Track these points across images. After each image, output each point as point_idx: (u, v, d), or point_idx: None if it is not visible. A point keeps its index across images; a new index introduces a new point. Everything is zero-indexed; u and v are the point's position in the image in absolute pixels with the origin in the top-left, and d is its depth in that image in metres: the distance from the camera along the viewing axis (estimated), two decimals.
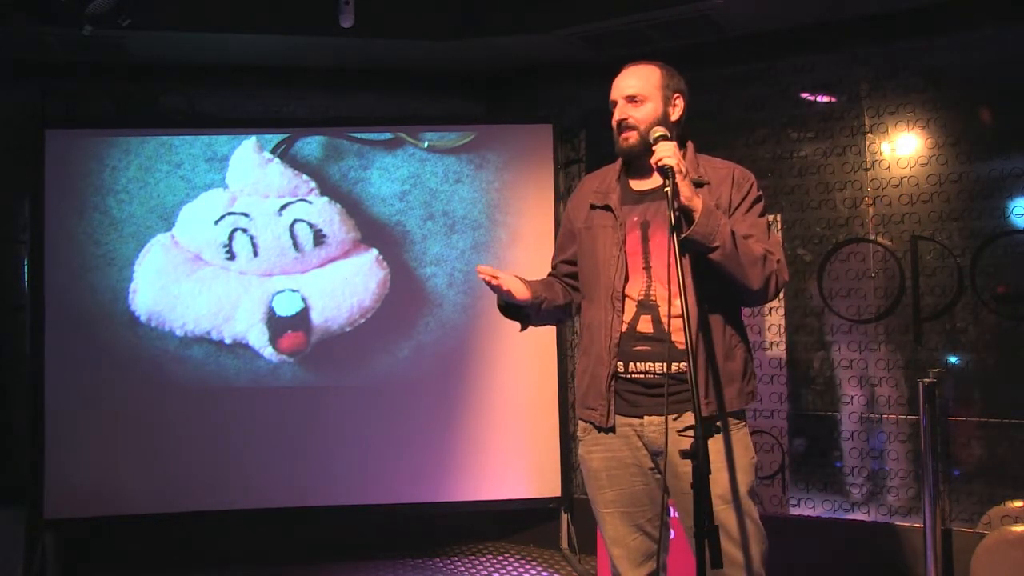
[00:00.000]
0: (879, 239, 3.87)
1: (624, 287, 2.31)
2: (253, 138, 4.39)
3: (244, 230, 4.34)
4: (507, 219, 4.43)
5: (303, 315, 4.35)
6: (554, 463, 4.39)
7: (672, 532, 3.18)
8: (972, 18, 3.65)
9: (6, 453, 4.30)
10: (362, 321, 4.38)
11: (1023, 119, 3.61)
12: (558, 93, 4.65)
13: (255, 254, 4.34)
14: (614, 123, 2.35)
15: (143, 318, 4.28)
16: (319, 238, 4.38)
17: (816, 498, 3.96)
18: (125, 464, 4.22)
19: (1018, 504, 3.46)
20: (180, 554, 4.35)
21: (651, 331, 2.27)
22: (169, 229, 4.32)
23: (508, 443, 4.40)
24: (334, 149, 4.43)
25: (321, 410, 4.34)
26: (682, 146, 2.34)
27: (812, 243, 4.02)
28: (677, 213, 2.08)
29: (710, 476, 1.93)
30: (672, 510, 2.76)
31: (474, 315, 4.39)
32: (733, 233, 2.18)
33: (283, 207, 4.37)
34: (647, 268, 2.30)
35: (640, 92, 2.31)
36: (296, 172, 4.40)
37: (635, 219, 2.33)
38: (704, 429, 1.95)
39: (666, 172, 2.11)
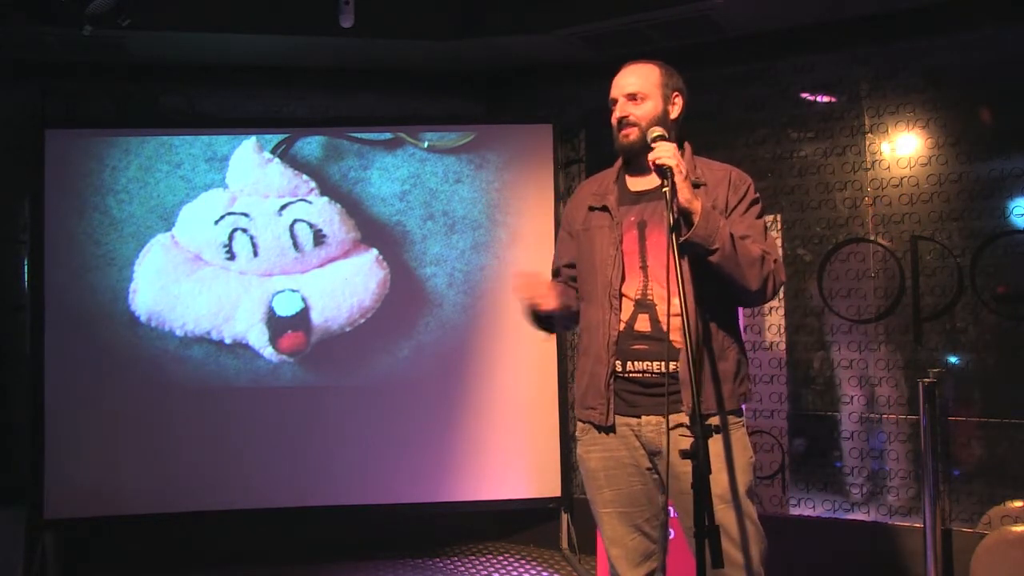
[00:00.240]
0: (879, 239, 3.87)
1: (621, 286, 2.31)
2: (253, 138, 4.39)
3: (244, 230, 4.34)
4: (507, 219, 4.43)
5: (303, 315, 4.35)
6: (554, 463, 4.39)
7: (672, 532, 3.18)
8: (972, 18, 3.65)
9: (6, 453, 4.31)
10: (362, 321, 4.38)
11: (1023, 119, 3.61)
12: (558, 93, 4.65)
13: (255, 254, 4.35)
14: (614, 120, 2.36)
15: (143, 318, 4.28)
16: (319, 238, 4.38)
17: (816, 498, 3.96)
18: (125, 464, 4.22)
19: (1018, 504, 3.45)
20: (180, 554, 4.35)
21: (649, 330, 2.27)
22: (169, 229, 4.32)
23: (508, 443, 4.40)
24: (334, 149, 4.43)
25: (321, 410, 4.34)
26: (680, 147, 2.33)
27: (812, 243, 4.02)
28: (676, 215, 2.09)
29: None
30: (671, 510, 2.76)
31: (474, 315, 4.38)
32: (732, 235, 2.18)
33: (283, 207, 4.38)
34: (644, 267, 2.31)
35: (640, 90, 2.33)
36: (296, 172, 4.40)
37: (632, 219, 2.34)
38: (704, 429, 1.95)
39: (664, 172, 2.12)
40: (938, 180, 3.75)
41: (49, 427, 4.16)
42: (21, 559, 4.05)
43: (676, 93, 2.37)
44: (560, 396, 4.40)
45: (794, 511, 3.96)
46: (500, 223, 4.43)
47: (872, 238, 3.89)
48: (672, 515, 2.43)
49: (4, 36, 3.99)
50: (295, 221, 4.37)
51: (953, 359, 3.72)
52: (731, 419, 2.30)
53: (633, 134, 2.32)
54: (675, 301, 2.17)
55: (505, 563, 4.34)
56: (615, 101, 2.36)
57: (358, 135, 4.44)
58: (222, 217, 4.34)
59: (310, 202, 4.39)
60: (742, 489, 2.25)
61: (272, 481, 4.27)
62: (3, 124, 4.38)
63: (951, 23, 3.69)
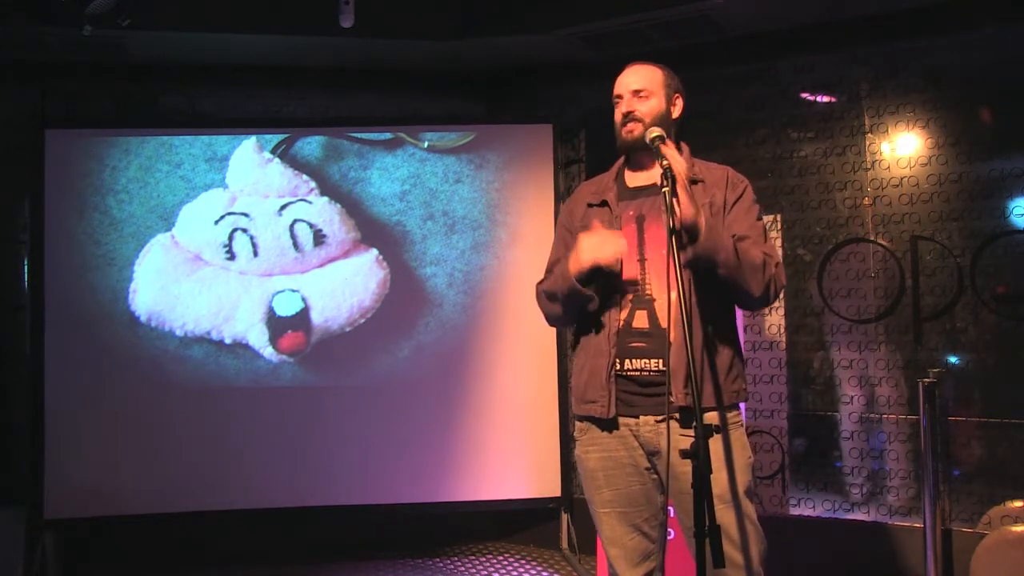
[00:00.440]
0: (879, 239, 3.87)
1: (620, 280, 2.32)
2: (253, 138, 4.39)
3: (244, 230, 4.34)
4: (507, 219, 4.43)
5: (303, 315, 4.35)
6: (554, 463, 4.39)
7: (672, 532, 3.18)
8: (972, 18, 3.65)
9: (6, 453, 4.31)
10: (362, 321, 4.38)
11: (1023, 119, 3.61)
12: (558, 93, 4.65)
13: (255, 254, 4.35)
14: (619, 116, 2.38)
15: (143, 318, 4.28)
16: (319, 238, 4.38)
17: (816, 498, 3.96)
18: (125, 464, 4.22)
19: (1018, 504, 3.45)
20: (180, 554, 4.35)
21: (646, 326, 2.28)
22: (169, 229, 4.32)
23: (508, 443, 4.40)
24: (334, 149, 4.43)
25: (321, 410, 4.34)
26: (678, 147, 2.38)
27: (812, 243, 4.02)
28: (676, 225, 2.09)
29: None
30: (670, 510, 2.76)
31: (474, 315, 4.38)
32: (736, 246, 2.19)
33: (283, 207, 4.38)
34: (641, 260, 2.31)
35: (646, 87, 2.36)
36: (296, 172, 4.40)
37: (631, 213, 2.36)
38: (704, 429, 1.95)
39: (667, 173, 2.12)
40: (938, 180, 3.75)
41: (49, 427, 4.16)
42: (21, 559, 4.05)
43: (677, 95, 2.41)
44: (560, 396, 4.39)
45: (794, 511, 3.96)
46: (500, 223, 4.43)
47: (872, 238, 3.89)
48: (671, 515, 2.43)
49: (4, 36, 3.99)
50: (295, 221, 4.37)
51: (953, 359, 3.72)
52: (730, 419, 2.30)
53: (637, 130, 2.34)
54: (673, 295, 2.17)
55: (505, 563, 4.34)
56: (620, 97, 2.38)
57: (358, 135, 4.44)
58: (222, 217, 4.34)
59: (310, 202, 4.39)
60: (741, 489, 2.26)
61: (272, 481, 4.27)
62: (3, 124, 4.38)
63: (951, 23, 3.70)
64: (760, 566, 2.26)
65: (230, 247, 4.33)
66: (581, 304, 2.32)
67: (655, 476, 2.31)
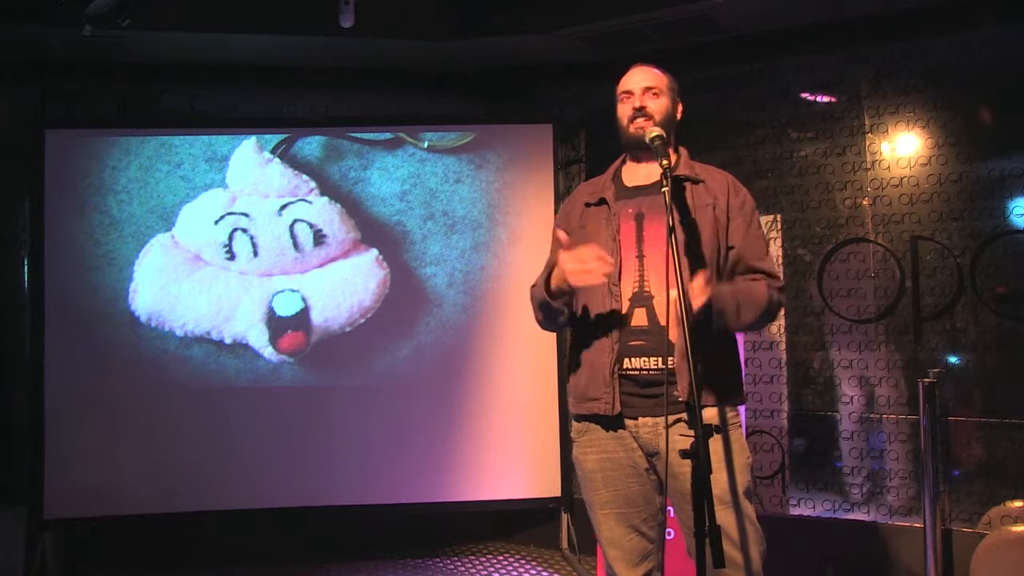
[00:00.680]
0: (879, 239, 3.87)
1: (619, 278, 2.32)
2: (253, 138, 4.39)
3: (244, 230, 4.34)
4: (507, 219, 4.43)
5: (303, 315, 4.35)
6: (554, 463, 4.39)
7: (671, 532, 3.18)
8: (972, 18, 3.65)
9: (6, 453, 4.31)
10: (362, 321, 4.38)
11: (1023, 119, 3.61)
12: (558, 93, 4.65)
13: (255, 254, 4.35)
14: (629, 111, 2.38)
15: (143, 318, 4.28)
16: (319, 238, 4.38)
17: (816, 498, 3.96)
18: (125, 464, 4.22)
19: (1018, 504, 3.46)
20: (180, 554, 4.35)
21: (646, 324, 2.28)
22: (169, 229, 4.32)
23: (508, 443, 4.40)
24: (334, 149, 4.43)
25: (321, 410, 4.34)
26: (676, 150, 2.42)
27: (812, 243, 4.02)
28: (671, 221, 2.10)
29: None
30: (669, 510, 2.76)
31: (474, 315, 4.38)
32: (738, 303, 2.23)
33: (283, 207, 4.38)
34: (640, 256, 2.32)
35: (657, 86, 2.39)
36: (296, 172, 4.40)
37: (630, 210, 2.36)
38: (704, 429, 1.95)
39: (666, 172, 2.13)
40: (938, 180, 3.75)
41: (49, 427, 4.16)
42: (21, 559, 4.05)
43: (678, 99, 2.45)
44: (560, 396, 4.39)
45: (794, 511, 3.96)
46: (500, 223, 4.43)
47: (872, 238, 3.89)
48: (671, 515, 2.43)
49: (4, 36, 3.99)
50: (295, 221, 4.37)
51: (953, 359, 3.72)
52: (729, 419, 2.30)
53: (647, 126, 2.35)
54: (672, 292, 2.17)
55: (505, 563, 4.34)
56: (629, 94, 2.40)
57: (358, 135, 4.44)
58: (222, 217, 4.34)
59: (310, 202, 4.39)
60: (741, 490, 2.25)
61: (272, 481, 4.27)
62: (3, 124, 4.39)
63: (951, 23, 3.70)
64: (760, 567, 2.26)
65: (230, 247, 4.33)
66: (553, 317, 2.37)
67: (654, 477, 2.31)
